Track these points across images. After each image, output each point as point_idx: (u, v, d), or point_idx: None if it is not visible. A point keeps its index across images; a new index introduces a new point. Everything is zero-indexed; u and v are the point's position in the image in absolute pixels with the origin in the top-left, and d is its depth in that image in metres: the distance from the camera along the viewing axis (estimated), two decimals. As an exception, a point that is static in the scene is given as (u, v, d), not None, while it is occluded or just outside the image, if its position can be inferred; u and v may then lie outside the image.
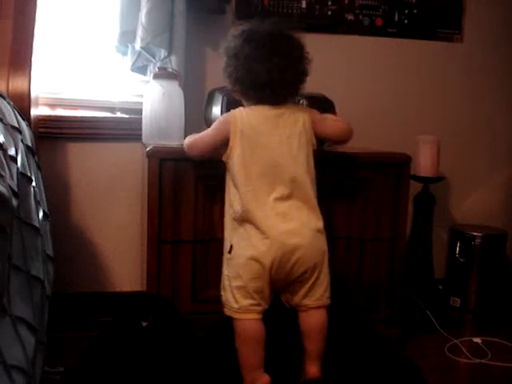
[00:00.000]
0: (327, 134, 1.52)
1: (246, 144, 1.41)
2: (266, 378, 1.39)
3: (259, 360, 1.40)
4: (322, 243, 1.44)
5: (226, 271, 1.46)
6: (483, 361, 1.79)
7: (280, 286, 1.43)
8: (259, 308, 1.41)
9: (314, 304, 1.43)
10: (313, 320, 1.44)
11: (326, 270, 1.44)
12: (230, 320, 1.43)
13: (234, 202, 1.43)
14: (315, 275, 1.41)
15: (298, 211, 1.41)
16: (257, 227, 1.38)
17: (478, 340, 1.95)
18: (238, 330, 1.41)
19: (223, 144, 1.45)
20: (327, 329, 1.45)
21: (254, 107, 1.45)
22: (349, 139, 1.55)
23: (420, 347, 1.89)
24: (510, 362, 1.78)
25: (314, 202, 1.44)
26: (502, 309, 2.23)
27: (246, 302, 1.40)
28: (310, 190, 1.42)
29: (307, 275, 1.41)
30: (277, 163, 1.40)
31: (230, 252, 1.44)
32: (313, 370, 1.42)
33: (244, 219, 1.41)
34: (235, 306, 1.41)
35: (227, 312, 1.43)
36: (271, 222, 1.38)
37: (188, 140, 1.55)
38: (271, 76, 1.38)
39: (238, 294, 1.40)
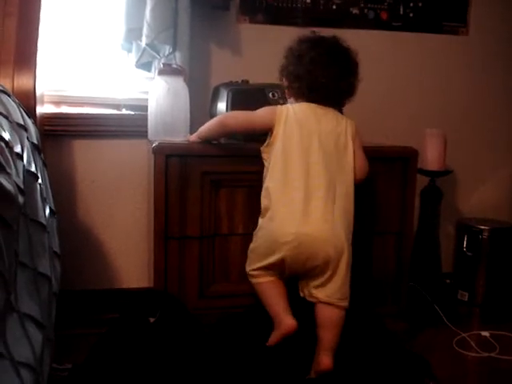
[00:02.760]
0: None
1: (288, 133, 1.48)
2: (289, 320, 1.42)
3: (282, 307, 1.45)
4: (341, 240, 1.45)
5: (254, 237, 1.52)
6: (492, 354, 1.79)
7: (295, 270, 1.46)
8: (270, 271, 1.46)
9: (324, 299, 1.44)
10: (325, 313, 1.44)
11: (342, 268, 1.45)
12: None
13: (265, 178, 1.50)
14: (329, 270, 1.43)
15: (320, 204, 1.43)
16: (281, 213, 1.44)
17: (486, 334, 1.94)
18: (256, 291, 1.49)
19: (261, 130, 1.53)
20: (342, 324, 1.45)
21: (301, 103, 1.54)
22: (358, 183, 1.55)
23: (428, 341, 1.88)
24: (519, 355, 1.78)
25: (329, 199, 1.44)
26: (510, 302, 2.22)
27: (256, 265, 1.47)
28: (325, 188, 1.44)
29: (320, 269, 1.42)
30: (308, 157, 1.46)
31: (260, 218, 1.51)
32: (325, 360, 1.41)
33: (270, 205, 1.47)
34: (248, 268, 1.50)
35: (248, 277, 1.51)
36: (293, 211, 1.42)
37: (228, 113, 1.66)
38: (328, 81, 1.50)
39: (252, 256, 1.50)
